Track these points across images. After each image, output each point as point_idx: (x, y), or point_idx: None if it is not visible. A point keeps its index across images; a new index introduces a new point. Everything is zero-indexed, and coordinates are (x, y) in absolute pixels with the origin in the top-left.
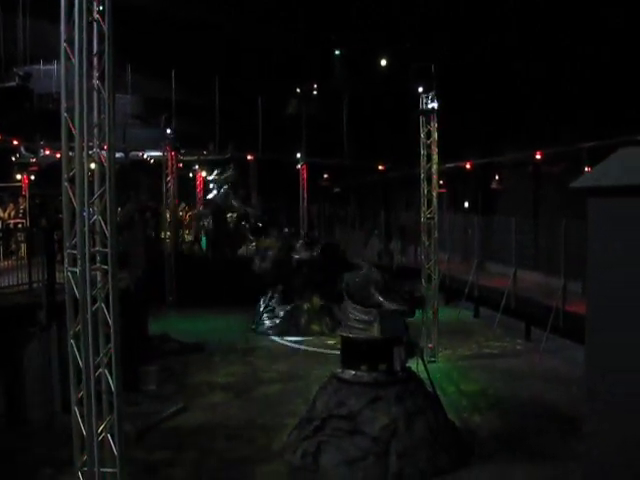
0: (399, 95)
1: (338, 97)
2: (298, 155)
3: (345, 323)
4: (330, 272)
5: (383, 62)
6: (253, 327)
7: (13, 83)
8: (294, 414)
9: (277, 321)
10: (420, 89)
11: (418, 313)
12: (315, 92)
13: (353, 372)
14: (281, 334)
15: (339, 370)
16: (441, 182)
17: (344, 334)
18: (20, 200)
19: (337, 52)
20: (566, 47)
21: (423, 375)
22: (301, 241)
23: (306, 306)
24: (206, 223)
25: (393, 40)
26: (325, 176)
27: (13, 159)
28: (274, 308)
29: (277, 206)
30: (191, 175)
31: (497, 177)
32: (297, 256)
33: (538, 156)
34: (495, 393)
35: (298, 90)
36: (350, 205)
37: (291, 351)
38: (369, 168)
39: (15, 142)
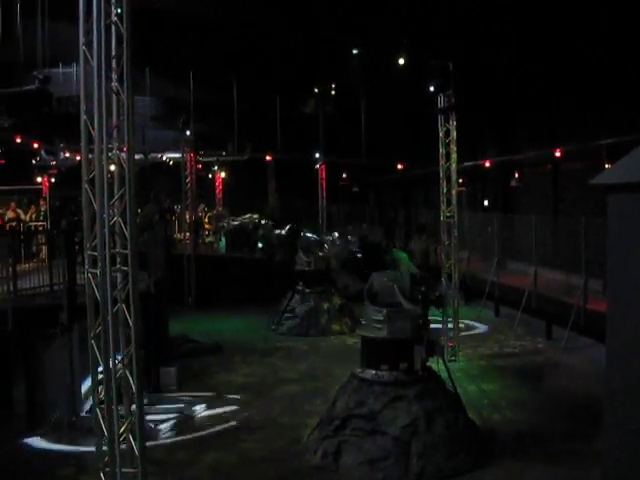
0: (417, 93)
1: (356, 96)
2: (317, 155)
3: (365, 322)
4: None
5: (401, 61)
6: (273, 327)
7: (32, 86)
8: (314, 414)
9: (297, 321)
10: (437, 87)
11: (437, 312)
12: (333, 91)
13: (373, 371)
14: (301, 334)
15: (359, 370)
16: (460, 180)
17: (363, 333)
18: (41, 202)
19: (355, 51)
20: (584, 44)
21: (443, 374)
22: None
23: (326, 305)
24: (225, 224)
25: (411, 38)
26: (344, 175)
27: (33, 162)
28: (294, 308)
29: (296, 206)
30: (210, 176)
31: (516, 175)
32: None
33: (557, 154)
34: (516, 392)
35: (316, 90)
36: (369, 204)
37: (311, 351)
38: (388, 167)
39: (35, 145)
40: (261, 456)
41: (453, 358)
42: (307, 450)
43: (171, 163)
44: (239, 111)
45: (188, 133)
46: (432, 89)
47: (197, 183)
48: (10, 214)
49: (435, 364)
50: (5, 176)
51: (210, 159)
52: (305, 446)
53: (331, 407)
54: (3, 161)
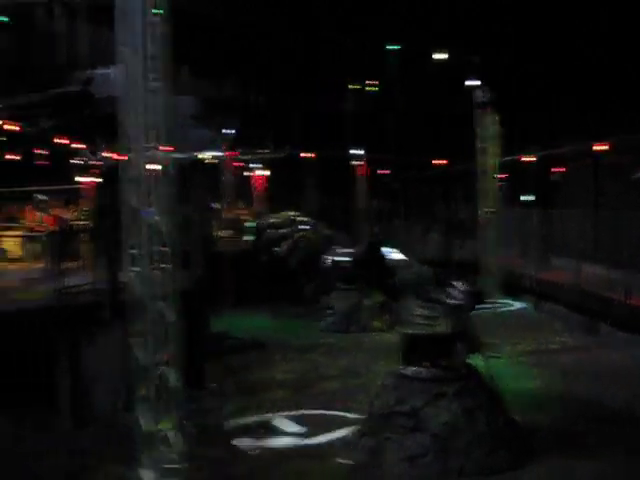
0: (456, 89)
1: (393, 92)
2: (355, 152)
3: (406, 319)
4: (374, 269)
5: (440, 56)
6: (314, 324)
7: (75, 88)
8: (355, 410)
9: (337, 317)
10: (476, 83)
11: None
12: (371, 88)
13: (414, 368)
14: (341, 331)
15: (400, 366)
16: (500, 175)
17: (406, 330)
18: (83, 202)
19: (392, 47)
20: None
21: (484, 371)
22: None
23: (367, 302)
24: (263, 222)
25: (450, 35)
26: (384, 172)
27: (76, 162)
28: (333, 304)
29: (334, 203)
30: (249, 174)
31: (557, 169)
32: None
33: (599, 147)
34: (556, 389)
35: (356, 87)
36: (409, 200)
37: (353, 347)
38: (428, 163)
39: (77, 145)
40: (301, 453)
41: (493, 354)
42: (348, 447)
43: (210, 161)
44: (278, 109)
45: (227, 132)
46: (469, 84)
47: (236, 181)
48: (57, 213)
49: (476, 361)
50: (49, 177)
51: (249, 157)
52: (346, 443)
53: (371, 404)
54: (48, 162)
